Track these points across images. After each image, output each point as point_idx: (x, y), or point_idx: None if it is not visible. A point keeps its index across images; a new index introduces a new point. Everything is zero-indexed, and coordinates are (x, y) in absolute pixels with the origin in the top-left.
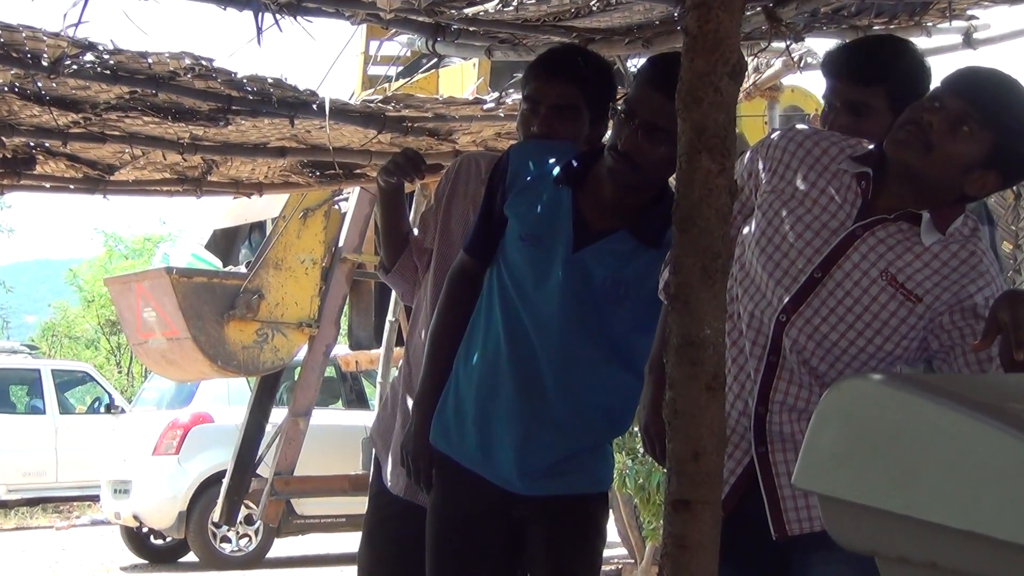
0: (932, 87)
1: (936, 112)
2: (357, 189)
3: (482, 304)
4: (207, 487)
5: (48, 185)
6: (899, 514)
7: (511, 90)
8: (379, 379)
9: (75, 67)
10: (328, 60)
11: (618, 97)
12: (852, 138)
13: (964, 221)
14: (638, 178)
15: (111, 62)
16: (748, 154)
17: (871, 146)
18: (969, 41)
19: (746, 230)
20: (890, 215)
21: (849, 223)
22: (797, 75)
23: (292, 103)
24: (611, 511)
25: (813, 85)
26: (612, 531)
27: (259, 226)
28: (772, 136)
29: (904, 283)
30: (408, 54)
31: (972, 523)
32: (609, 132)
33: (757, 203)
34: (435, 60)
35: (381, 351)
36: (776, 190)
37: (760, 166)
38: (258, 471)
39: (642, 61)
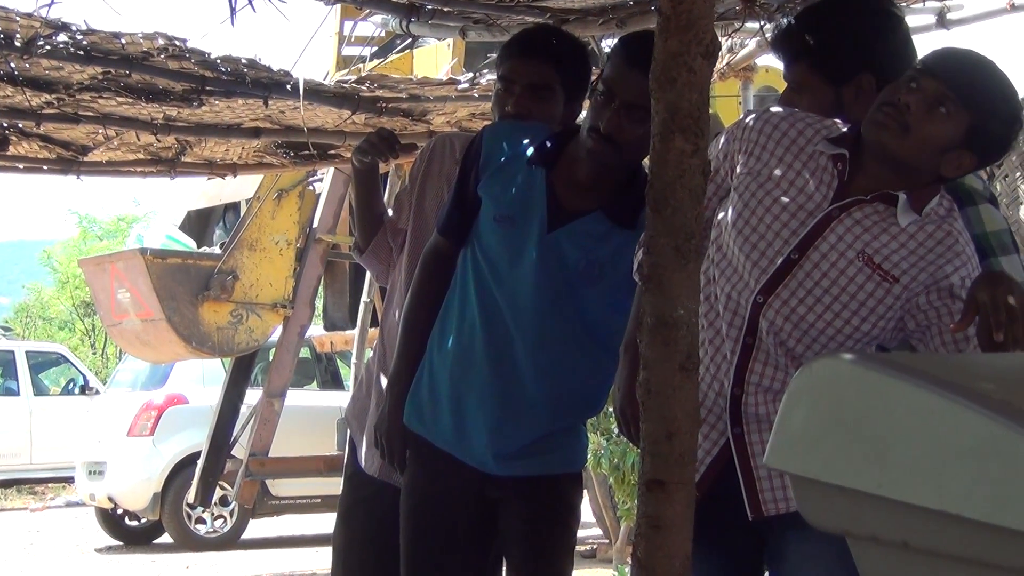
0: (894, 49)
1: (913, 93)
2: (331, 170)
3: (456, 285)
4: (182, 468)
5: (21, 166)
6: (870, 494)
7: (485, 70)
8: (354, 360)
9: (48, 47)
10: (302, 40)
11: (594, 78)
12: (827, 119)
13: (940, 201)
14: (619, 159)
15: (84, 42)
16: (723, 136)
17: (846, 127)
18: (943, 22)
19: (722, 213)
20: (866, 196)
21: (826, 204)
22: (771, 56)
23: (266, 83)
24: (586, 491)
25: None
26: (587, 511)
27: (233, 207)
28: (747, 118)
29: (881, 264)
30: (382, 34)
31: (943, 503)
32: (584, 113)
33: (733, 185)
34: (409, 40)
35: (356, 332)
36: (752, 172)
37: (736, 148)
38: (233, 452)
39: (616, 41)
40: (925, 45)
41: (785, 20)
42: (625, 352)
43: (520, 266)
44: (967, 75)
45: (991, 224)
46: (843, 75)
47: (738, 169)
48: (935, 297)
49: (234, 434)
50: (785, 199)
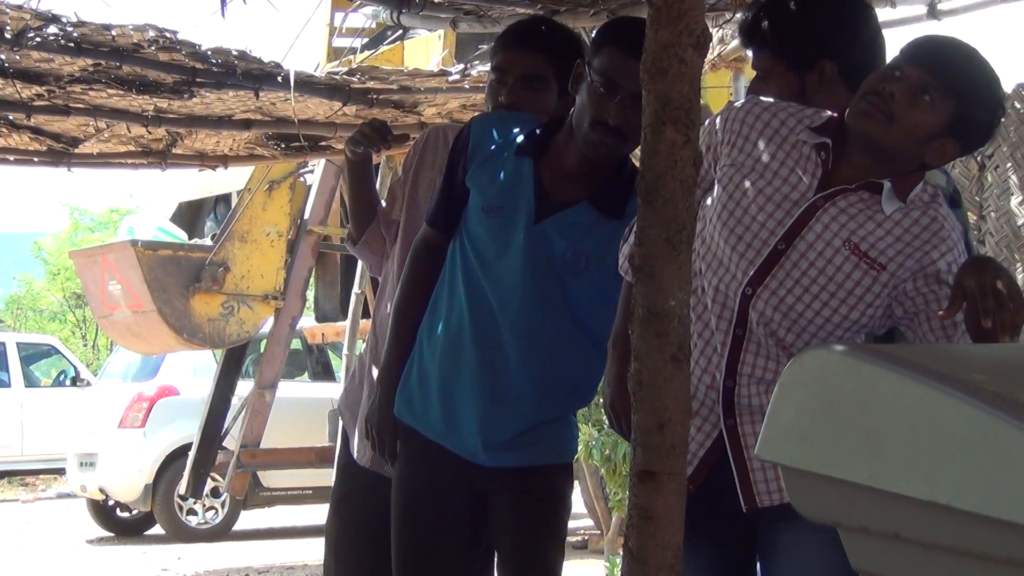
0: (853, 32)
1: (897, 82)
2: (322, 161)
3: (445, 276)
4: (173, 460)
5: (12, 158)
6: (862, 485)
7: (476, 62)
8: (345, 351)
9: (38, 39)
10: (293, 32)
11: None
12: (809, 108)
13: (923, 188)
14: (625, 150)
15: (75, 34)
16: (707, 126)
17: (828, 115)
18: (933, 12)
19: (707, 202)
20: (851, 185)
21: (810, 194)
22: None
23: (257, 75)
24: (577, 482)
25: None
26: (578, 502)
27: (224, 198)
28: (731, 108)
29: (867, 252)
30: (373, 26)
31: (934, 494)
32: (577, 105)
33: (717, 176)
34: (400, 32)
35: (347, 323)
36: (736, 163)
37: (719, 138)
38: (224, 443)
39: (599, 29)
40: (915, 35)
41: (750, 9)
42: (613, 347)
43: (507, 256)
44: (951, 63)
45: None
46: (804, 62)
47: (721, 160)
48: (922, 283)
49: (225, 425)
50: (770, 189)
